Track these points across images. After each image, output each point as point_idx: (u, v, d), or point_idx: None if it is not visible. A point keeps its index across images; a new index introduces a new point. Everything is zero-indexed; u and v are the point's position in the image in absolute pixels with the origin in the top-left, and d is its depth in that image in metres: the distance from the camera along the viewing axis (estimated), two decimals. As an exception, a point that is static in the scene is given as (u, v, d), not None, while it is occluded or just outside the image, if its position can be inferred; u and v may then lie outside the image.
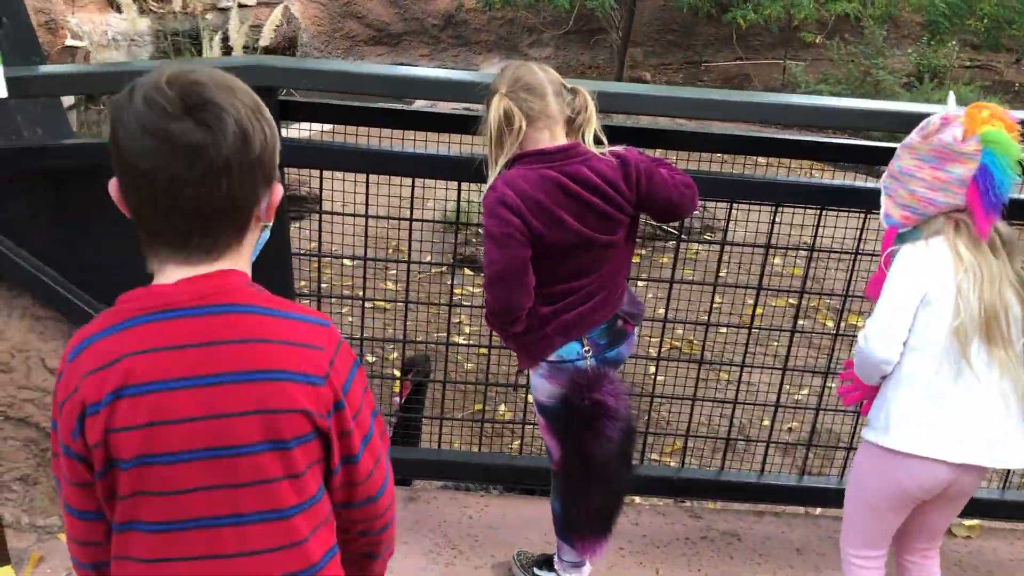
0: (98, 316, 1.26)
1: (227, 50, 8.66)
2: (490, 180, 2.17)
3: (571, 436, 2.24)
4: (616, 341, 2.35)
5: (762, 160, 4.56)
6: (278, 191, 1.26)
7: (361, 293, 3.07)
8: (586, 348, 2.28)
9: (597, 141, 2.20)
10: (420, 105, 5.08)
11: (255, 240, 1.29)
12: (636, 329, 2.44)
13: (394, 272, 5.55)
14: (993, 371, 1.99)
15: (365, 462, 1.31)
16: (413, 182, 2.79)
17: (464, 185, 2.82)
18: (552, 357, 2.28)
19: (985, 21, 9.96)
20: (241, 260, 1.26)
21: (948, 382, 2.00)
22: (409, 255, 2.98)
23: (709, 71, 12.66)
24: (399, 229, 3.05)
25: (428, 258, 4.78)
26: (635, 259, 5.93)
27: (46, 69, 2.59)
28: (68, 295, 2.77)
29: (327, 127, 3.92)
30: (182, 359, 1.19)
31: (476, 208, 5.44)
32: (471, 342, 4.24)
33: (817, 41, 11.46)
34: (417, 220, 2.88)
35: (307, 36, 13.16)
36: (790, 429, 4.02)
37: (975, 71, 11.48)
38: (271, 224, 1.30)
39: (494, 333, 2.53)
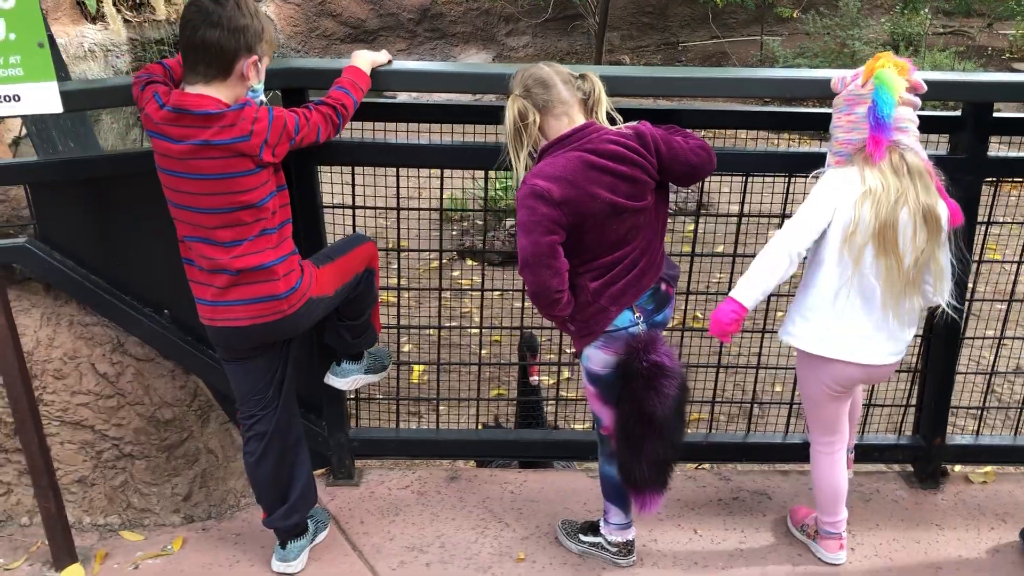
0: None
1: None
2: (517, 174, 2.35)
3: (631, 398, 2.39)
4: (662, 305, 2.52)
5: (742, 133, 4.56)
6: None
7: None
8: (637, 315, 2.45)
9: (611, 120, 2.38)
10: (404, 98, 5.16)
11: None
12: (674, 291, 2.58)
13: (394, 266, 5.64)
14: (880, 279, 2.36)
15: None
16: (441, 175, 2.92)
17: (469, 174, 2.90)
18: (607, 327, 2.43)
19: (956, -13, 10.14)
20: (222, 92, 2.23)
21: (845, 289, 2.40)
22: (419, 245, 3.04)
23: (687, 51, 12.78)
24: (386, 220, 3.11)
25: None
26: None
27: (91, 83, 2.66)
28: (113, 300, 2.87)
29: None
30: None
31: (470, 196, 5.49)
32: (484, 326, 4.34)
33: (793, 16, 11.61)
34: (415, 209, 2.99)
35: (284, 37, 13.16)
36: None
37: (949, 37, 11.67)
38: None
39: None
